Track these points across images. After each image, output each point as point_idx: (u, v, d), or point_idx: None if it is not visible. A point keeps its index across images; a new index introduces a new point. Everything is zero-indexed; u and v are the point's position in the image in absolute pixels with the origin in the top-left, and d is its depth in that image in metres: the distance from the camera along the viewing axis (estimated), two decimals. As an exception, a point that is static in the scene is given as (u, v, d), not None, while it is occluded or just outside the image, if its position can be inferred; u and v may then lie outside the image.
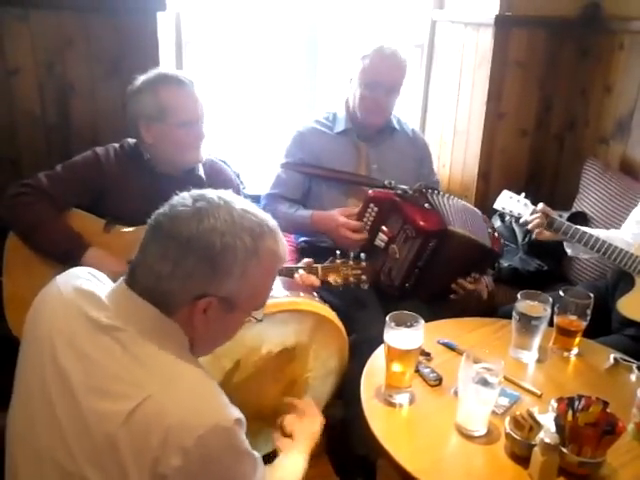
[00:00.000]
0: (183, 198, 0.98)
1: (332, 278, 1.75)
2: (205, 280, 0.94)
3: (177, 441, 0.84)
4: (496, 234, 2.10)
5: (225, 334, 1.06)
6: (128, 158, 1.89)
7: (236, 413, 0.91)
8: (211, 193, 0.99)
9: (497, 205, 2.17)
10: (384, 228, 1.95)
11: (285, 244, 1.04)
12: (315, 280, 1.68)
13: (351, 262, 1.77)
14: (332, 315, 1.47)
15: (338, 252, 1.77)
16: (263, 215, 1.01)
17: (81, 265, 1.14)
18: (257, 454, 0.99)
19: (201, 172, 1.93)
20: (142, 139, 1.86)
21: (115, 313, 0.96)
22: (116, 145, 1.93)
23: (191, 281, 0.94)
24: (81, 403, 0.90)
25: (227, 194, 1.00)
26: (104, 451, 0.87)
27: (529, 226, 2.04)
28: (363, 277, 1.77)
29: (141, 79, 1.84)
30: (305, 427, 1.31)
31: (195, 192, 0.99)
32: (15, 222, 1.80)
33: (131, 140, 1.94)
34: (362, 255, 1.78)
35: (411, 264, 1.91)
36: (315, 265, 1.74)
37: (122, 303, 0.97)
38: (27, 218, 1.77)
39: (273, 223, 1.02)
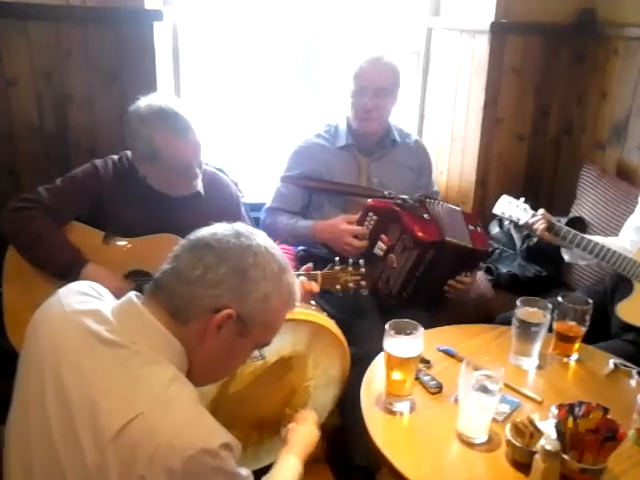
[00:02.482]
0: (223, 224, 1.05)
1: (332, 285, 1.75)
2: (231, 290, 0.97)
3: (164, 461, 0.85)
4: (479, 229, 2.06)
5: (228, 361, 1.06)
6: (126, 171, 1.88)
7: (225, 437, 0.91)
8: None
9: (496, 210, 2.17)
10: (383, 237, 1.95)
11: (299, 294, 1.09)
12: (315, 286, 1.68)
13: (350, 268, 1.76)
14: (330, 323, 1.47)
15: (337, 258, 1.77)
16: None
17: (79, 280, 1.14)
18: (247, 471, 1.00)
19: (199, 187, 1.89)
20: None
21: (119, 329, 0.97)
22: (115, 157, 1.91)
23: (218, 289, 0.96)
24: (76, 420, 0.90)
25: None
26: (92, 467, 0.87)
27: (535, 225, 2.03)
28: (362, 283, 1.77)
29: (144, 106, 1.76)
30: (299, 431, 1.32)
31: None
32: (15, 236, 1.79)
33: (129, 153, 1.91)
34: (361, 261, 1.78)
35: (409, 273, 1.90)
36: (314, 272, 1.74)
37: (128, 319, 0.98)
38: (27, 232, 1.76)
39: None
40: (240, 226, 1.04)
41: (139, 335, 0.96)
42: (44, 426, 0.93)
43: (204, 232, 1.03)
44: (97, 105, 2.30)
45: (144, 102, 1.78)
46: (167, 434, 0.86)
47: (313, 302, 1.54)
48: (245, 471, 0.99)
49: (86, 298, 1.04)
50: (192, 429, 0.88)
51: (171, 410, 0.89)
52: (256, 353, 1.10)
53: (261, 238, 1.03)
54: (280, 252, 1.05)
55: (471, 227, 2.02)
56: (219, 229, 1.03)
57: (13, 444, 0.99)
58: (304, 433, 1.33)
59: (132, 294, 1.02)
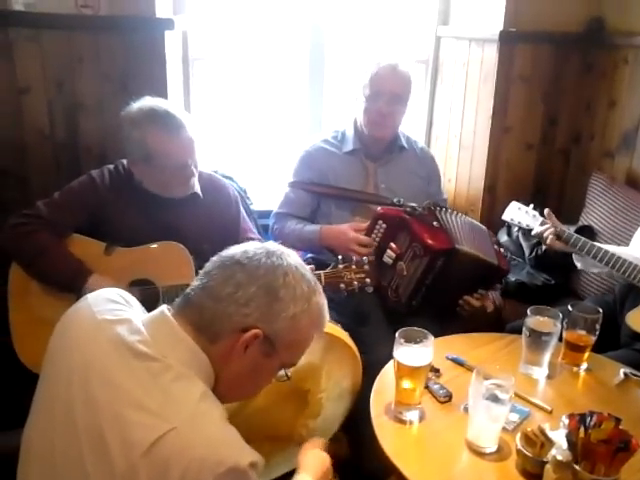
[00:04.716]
0: (255, 242, 1.05)
1: (336, 284, 1.74)
2: (260, 309, 0.97)
3: (196, 476, 0.85)
4: (502, 250, 2.09)
5: (254, 381, 1.06)
6: (122, 179, 1.88)
7: (253, 455, 0.92)
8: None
9: (505, 216, 2.17)
10: (392, 245, 1.95)
11: (328, 315, 1.08)
12: None
13: (354, 266, 1.76)
14: (344, 335, 1.46)
15: (340, 257, 1.77)
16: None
17: (84, 292, 1.12)
18: None
19: (197, 189, 1.89)
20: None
21: (150, 341, 0.97)
22: (110, 167, 1.92)
23: (248, 307, 0.96)
24: (105, 431, 0.90)
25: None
26: (121, 479, 0.87)
27: (545, 233, 2.04)
28: (367, 280, 1.76)
29: (134, 109, 1.78)
30: (310, 454, 1.31)
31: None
32: (17, 252, 1.79)
33: (125, 161, 1.91)
34: (364, 258, 1.77)
35: (418, 282, 1.90)
36: (317, 272, 1.74)
37: (159, 331, 0.98)
38: (29, 248, 1.76)
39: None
40: (272, 245, 1.04)
41: (170, 348, 0.96)
42: (71, 435, 0.93)
43: (236, 249, 1.03)
44: (108, 113, 2.31)
45: (134, 106, 1.79)
46: (200, 450, 0.86)
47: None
48: None
49: (116, 306, 1.04)
50: (224, 446, 0.89)
51: (203, 426, 0.89)
52: (282, 373, 1.09)
53: (292, 258, 1.03)
54: (310, 272, 1.05)
55: (496, 247, 2.04)
56: (250, 247, 1.02)
57: (34, 451, 0.98)
58: (315, 456, 1.32)
59: (164, 307, 1.02)
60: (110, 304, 1.05)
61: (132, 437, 0.88)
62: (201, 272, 1.03)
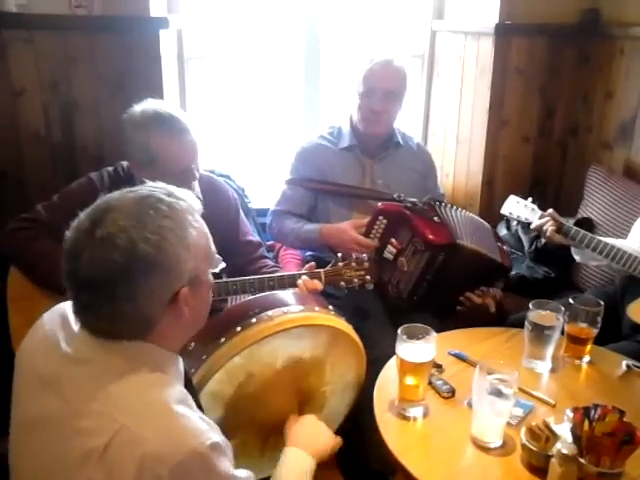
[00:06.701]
0: (83, 240, 0.99)
1: (336, 281, 1.74)
2: (166, 282, 0.94)
3: (152, 471, 0.84)
4: (505, 247, 2.08)
5: (207, 306, 1.07)
6: (122, 181, 1.84)
7: (213, 437, 0.89)
8: (100, 212, 1.01)
9: (504, 210, 2.16)
10: (393, 240, 1.94)
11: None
12: (318, 284, 1.68)
13: (354, 263, 1.76)
14: (348, 328, 1.46)
15: (339, 254, 1.77)
16: (153, 190, 1.00)
17: None
18: (247, 473, 1.00)
19: (197, 191, 1.86)
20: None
21: (84, 347, 0.97)
22: (110, 169, 1.90)
23: (156, 295, 0.94)
24: (65, 445, 0.89)
25: (113, 200, 1.02)
26: None
27: (544, 227, 2.03)
28: (367, 277, 1.76)
29: (137, 112, 1.76)
30: (300, 424, 1.32)
31: (85, 224, 1.02)
32: (16, 256, 1.79)
33: (125, 163, 1.90)
34: (364, 255, 1.77)
35: (419, 277, 1.90)
36: (318, 270, 1.74)
37: (87, 343, 0.97)
38: (28, 252, 1.75)
39: (163, 190, 1.00)
40: (96, 228, 0.98)
41: (102, 355, 0.95)
42: (37, 453, 0.94)
43: (78, 267, 0.99)
44: (104, 113, 2.30)
45: (138, 108, 1.77)
46: (151, 443, 0.85)
47: (331, 307, 1.53)
48: (244, 472, 0.99)
49: (64, 318, 1.05)
50: (175, 434, 0.87)
51: (152, 417, 0.88)
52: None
53: (121, 215, 0.97)
54: (141, 192, 1.00)
55: (499, 244, 2.03)
56: (89, 256, 0.97)
57: (15, 464, 1.00)
58: (307, 426, 1.33)
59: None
60: (60, 316, 1.06)
61: (86, 446, 0.87)
62: (80, 301, 1.01)
